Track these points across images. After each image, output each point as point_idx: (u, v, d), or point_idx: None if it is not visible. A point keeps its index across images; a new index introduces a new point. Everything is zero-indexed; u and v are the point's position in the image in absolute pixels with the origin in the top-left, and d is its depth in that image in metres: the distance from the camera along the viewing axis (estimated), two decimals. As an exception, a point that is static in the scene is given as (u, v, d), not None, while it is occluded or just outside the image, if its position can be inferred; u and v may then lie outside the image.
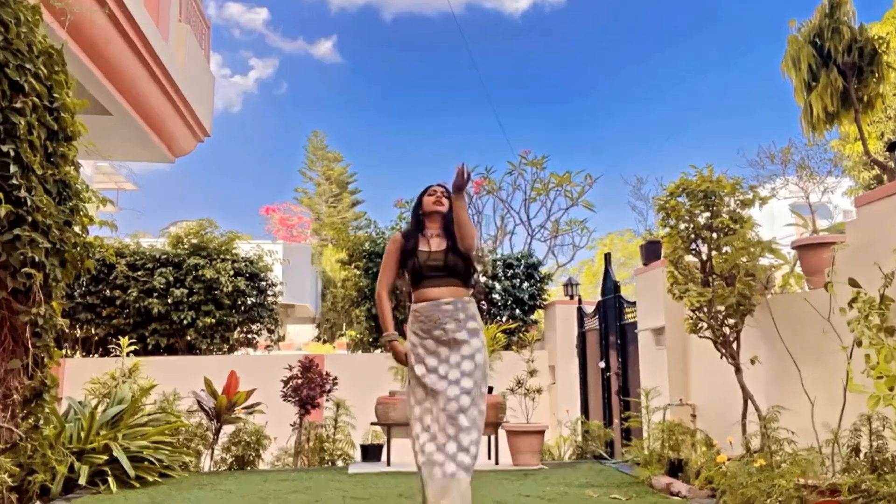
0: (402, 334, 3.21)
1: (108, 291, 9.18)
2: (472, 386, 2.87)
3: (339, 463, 6.39)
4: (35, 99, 3.39)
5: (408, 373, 3.04)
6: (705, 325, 4.54)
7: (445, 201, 3.15)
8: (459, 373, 2.88)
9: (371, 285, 9.62)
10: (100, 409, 5.36)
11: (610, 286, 7.54)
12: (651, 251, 6.28)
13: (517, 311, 9.87)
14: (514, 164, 12.49)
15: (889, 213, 3.57)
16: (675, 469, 4.64)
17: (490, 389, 6.19)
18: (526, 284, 10.10)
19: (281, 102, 45.20)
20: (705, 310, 4.48)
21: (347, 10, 44.73)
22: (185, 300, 9.09)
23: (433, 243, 3.09)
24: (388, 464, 5.81)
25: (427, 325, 2.96)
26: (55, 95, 3.60)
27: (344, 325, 13.23)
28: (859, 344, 3.36)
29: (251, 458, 6.16)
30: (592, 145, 38.27)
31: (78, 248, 3.79)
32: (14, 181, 3.23)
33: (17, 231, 3.29)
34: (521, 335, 9.64)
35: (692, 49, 41.08)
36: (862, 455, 3.27)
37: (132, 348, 7.45)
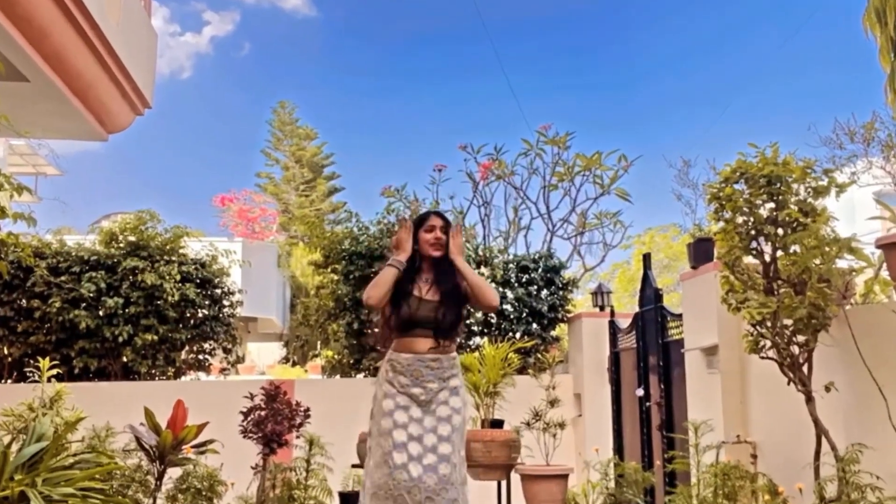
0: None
1: (23, 301, 9.17)
2: (450, 451, 3.08)
3: (313, 515, 6.38)
4: (-67, 61, 3.39)
5: (372, 427, 3.32)
6: (769, 344, 4.54)
7: (444, 239, 3.31)
8: (436, 438, 3.09)
9: (352, 293, 9.62)
10: (14, 447, 5.35)
11: (650, 295, 7.54)
12: (701, 251, 6.29)
13: (534, 325, 9.88)
14: (529, 143, 12.49)
15: None
16: (732, 522, 4.64)
17: (501, 423, 6.20)
18: (545, 292, 10.10)
19: (241, 66, 45.27)
20: (769, 324, 4.48)
21: (323, -48, 44.84)
22: (121, 312, 9.09)
23: (426, 290, 3.31)
24: (374, 516, 5.80)
25: (407, 379, 3.20)
26: (-42, 57, 3.59)
27: (318, 343, 13.24)
28: (961, 367, 3.36)
29: (203, 508, 6.15)
30: (627, 118, 38.30)
31: (-13, 248, 3.79)
32: None
33: (-90, 226, 3.29)
34: (538, 355, 9.62)
35: (752, -1, 41.11)
36: (964, 505, 3.26)
37: (54, 372, 7.43)
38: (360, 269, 9.64)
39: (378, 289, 3.22)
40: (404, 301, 3.26)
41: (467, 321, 9.76)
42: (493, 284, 10.04)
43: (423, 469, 2.99)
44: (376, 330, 3.52)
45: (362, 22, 45.90)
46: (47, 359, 7.25)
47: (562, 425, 6.43)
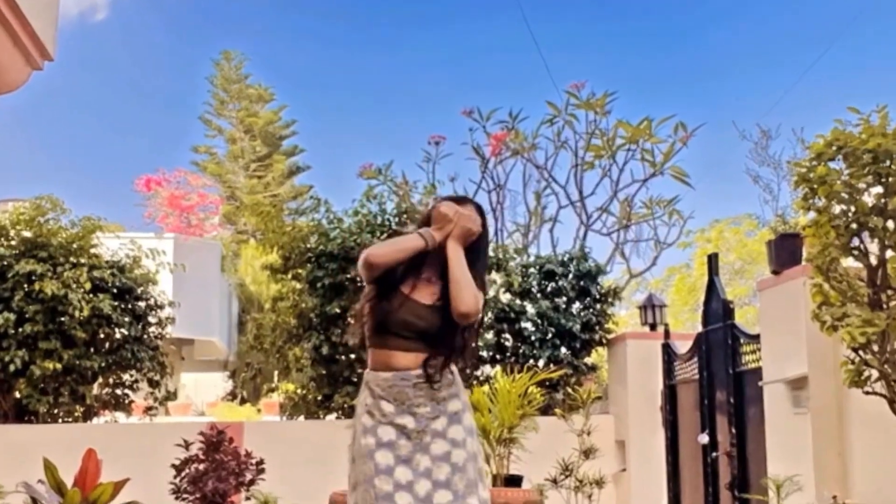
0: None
1: None
2: (449, 501, 3.08)
3: None
4: None
5: (351, 471, 3.26)
6: (875, 374, 4.53)
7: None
8: (431, 484, 3.08)
9: (321, 306, 9.60)
10: None
11: (717, 309, 7.54)
12: (785, 251, 6.29)
13: (562, 349, 9.88)
14: (556, 107, 12.50)
15: None
16: None
17: (519, 480, 6.19)
18: (577, 305, 10.10)
19: (174, 4, 45.29)
20: (875, 348, 4.47)
21: None
22: (12, 331, 9.08)
23: (420, 290, 3.23)
24: None
25: (391, 406, 3.16)
26: None
27: (275, 373, 13.22)
28: None
29: None
30: (686, 75, 38.30)
31: None
32: None
33: None
34: (568, 390, 9.63)
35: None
36: None
37: (-76, 412, 7.45)
38: (331, 274, 9.59)
39: (389, 248, 3.20)
40: (385, 297, 3.19)
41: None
42: (509, 295, 10.02)
43: None
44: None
45: (334, -53, 45.95)
46: (-85, 394, 7.27)
47: (600, 483, 6.42)
